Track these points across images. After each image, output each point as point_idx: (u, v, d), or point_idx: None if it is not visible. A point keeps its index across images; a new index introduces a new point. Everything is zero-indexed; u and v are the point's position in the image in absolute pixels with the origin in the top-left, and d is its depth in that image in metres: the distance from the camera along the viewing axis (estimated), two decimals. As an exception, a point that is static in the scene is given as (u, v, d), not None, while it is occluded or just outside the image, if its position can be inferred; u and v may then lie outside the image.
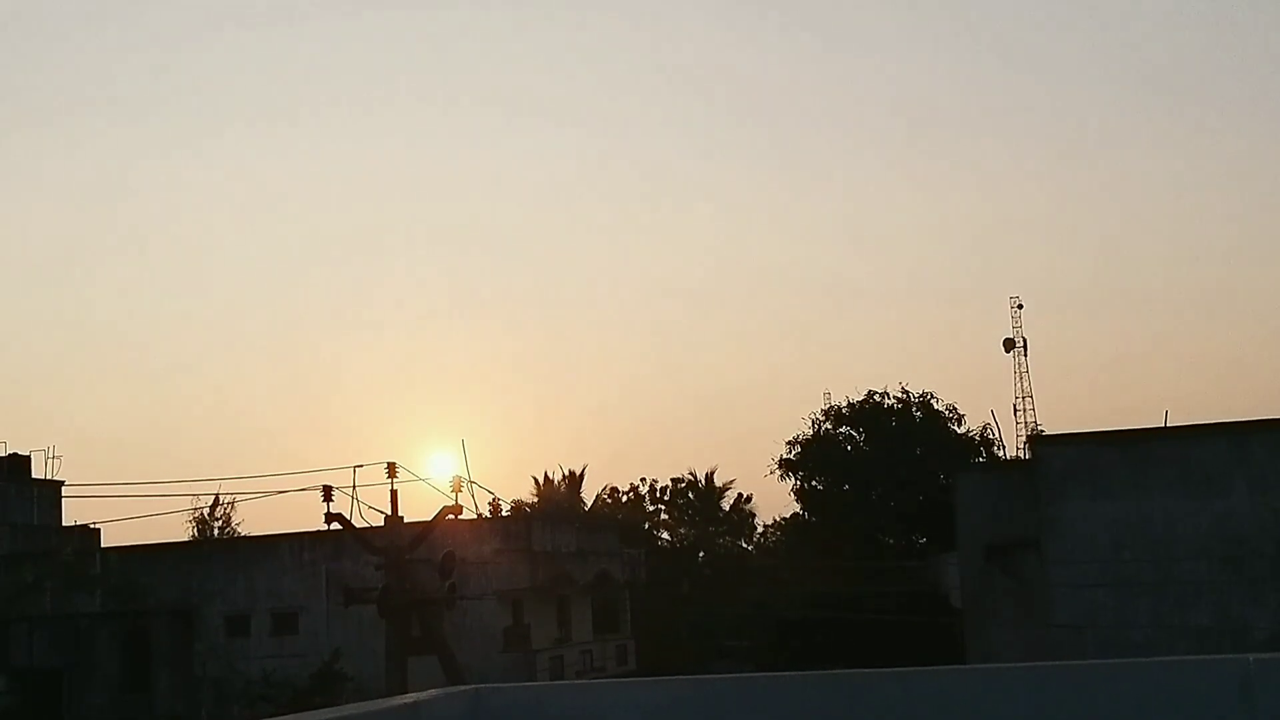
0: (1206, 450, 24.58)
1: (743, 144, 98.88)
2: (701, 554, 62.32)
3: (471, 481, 32.22)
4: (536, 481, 64.83)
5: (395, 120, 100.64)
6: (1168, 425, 28.48)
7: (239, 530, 53.03)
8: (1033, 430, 57.77)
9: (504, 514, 49.31)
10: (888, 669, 6.71)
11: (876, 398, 52.97)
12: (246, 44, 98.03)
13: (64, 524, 48.08)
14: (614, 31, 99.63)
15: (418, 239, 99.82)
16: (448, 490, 30.47)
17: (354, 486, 30.80)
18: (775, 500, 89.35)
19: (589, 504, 64.20)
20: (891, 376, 75.14)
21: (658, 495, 63.67)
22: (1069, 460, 25.42)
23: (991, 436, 51.62)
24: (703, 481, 63.40)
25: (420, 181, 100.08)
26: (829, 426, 53.46)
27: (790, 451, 53.04)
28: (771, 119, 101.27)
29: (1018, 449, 54.99)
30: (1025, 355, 63.66)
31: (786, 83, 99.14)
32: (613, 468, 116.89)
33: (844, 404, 53.44)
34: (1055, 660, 7.64)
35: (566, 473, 65.33)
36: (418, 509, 32.83)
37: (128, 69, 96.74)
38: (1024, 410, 62.97)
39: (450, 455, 35.33)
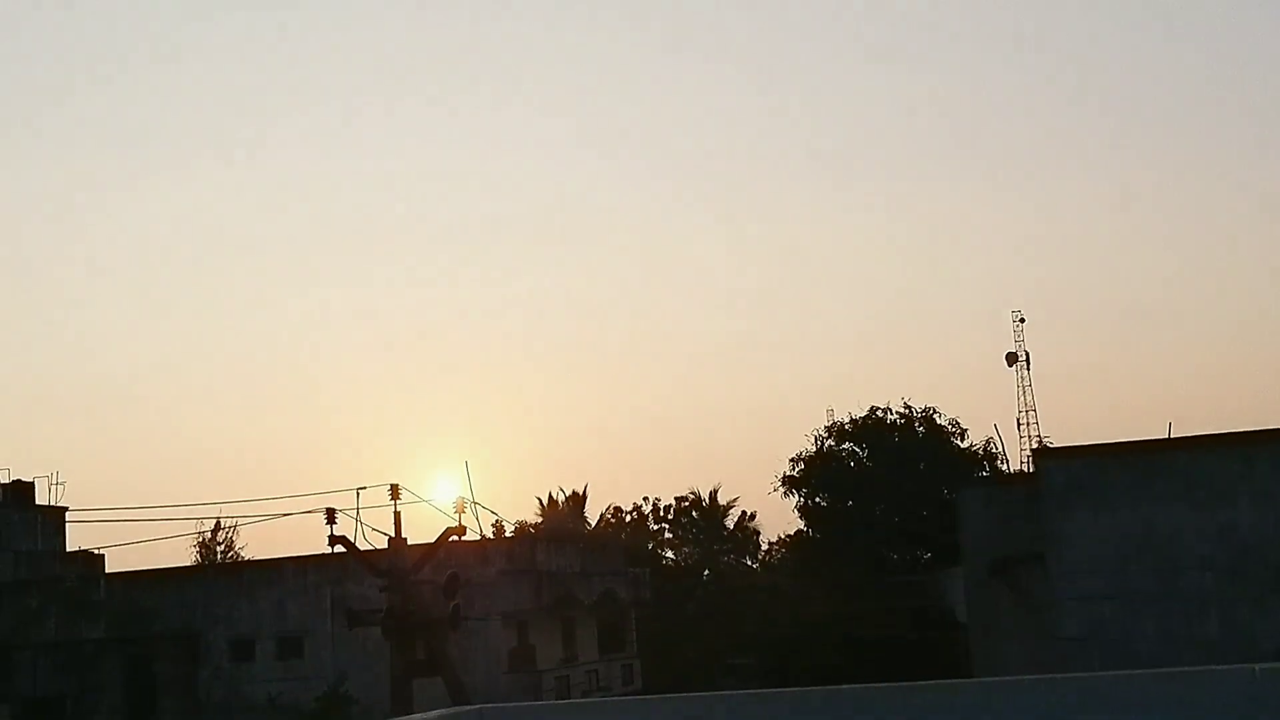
0: (1211, 462, 24.50)
1: (742, 164, 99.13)
2: (706, 573, 62.15)
3: (475, 502, 32.17)
4: (540, 502, 64.77)
5: (402, 138, 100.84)
6: (1171, 437, 28.40)
7: (243, 554, 52.90)
8: (1037, 444, 57.62)
9: (508, 535, 49.19)
10: (893, 684, 6.68)
11: (879, 414, 52.85)
12: (225, 60, 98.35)
13: (68, 550, 48.00)
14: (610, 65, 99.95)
15: (421, 262, 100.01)
16: (451, 512, 30.45)
17: (358, 509, 30.80)
18: (779, 518, 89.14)
19: (593, 524, 64.08)
20: (894, 392, 75.13)
21: (661, 515, 63.54)
22: (1072, 474, 25.33)
23: (995, 451, 51.51)
24: (706, 500, 63.26)
25: (423, 202, 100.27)
26: (832, 443, 53.35)
27: (793, 469, 52.95)
28: (769, 140, 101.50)
29: (1022, 463, 54.89)
30: (1028, 369, 63.61)
31: (786, 103, 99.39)
32: (616, 488, 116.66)
33: (847, 420, 53.36)
34: (1061, 673, 7.62)
35: (570, 493, 65.27)
36: (421, 531, 32.78)
37: (87, 87, 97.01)
38: (1028, 424, 62.90)
39: (453, 477, 35.31)
